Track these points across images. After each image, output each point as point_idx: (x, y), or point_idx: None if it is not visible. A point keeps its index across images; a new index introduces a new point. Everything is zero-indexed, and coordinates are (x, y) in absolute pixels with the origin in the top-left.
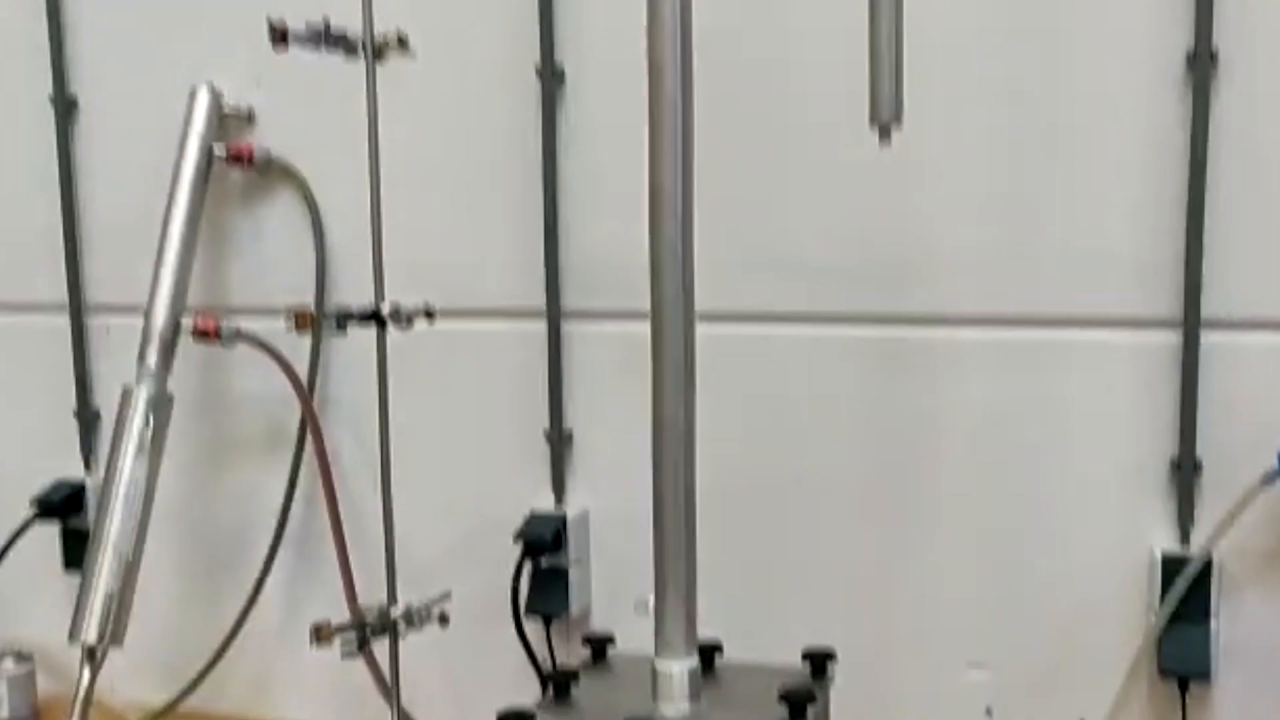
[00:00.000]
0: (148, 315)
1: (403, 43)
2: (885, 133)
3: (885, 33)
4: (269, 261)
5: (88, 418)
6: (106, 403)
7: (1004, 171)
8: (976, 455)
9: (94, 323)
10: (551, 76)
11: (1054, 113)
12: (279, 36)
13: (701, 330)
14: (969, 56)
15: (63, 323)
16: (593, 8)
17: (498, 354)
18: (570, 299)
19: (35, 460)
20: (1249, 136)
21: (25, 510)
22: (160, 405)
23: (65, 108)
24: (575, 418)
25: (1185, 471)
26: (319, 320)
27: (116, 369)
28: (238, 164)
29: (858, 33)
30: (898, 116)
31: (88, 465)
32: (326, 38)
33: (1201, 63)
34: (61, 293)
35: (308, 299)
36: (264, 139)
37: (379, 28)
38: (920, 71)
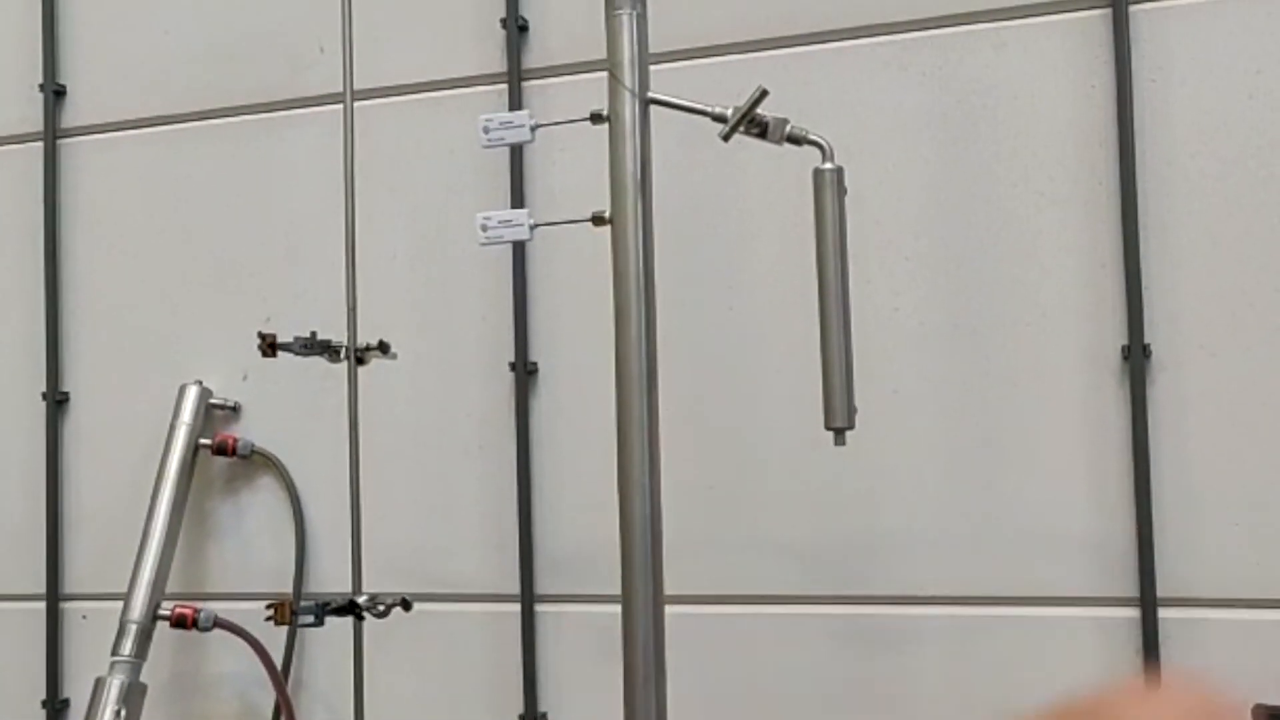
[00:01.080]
0: (126, 604)
1: (384, 347)
2: (840, 436)
3: (835, 346)
4: (249, 547)
5: (56, 707)
6: (77, 691)
7: (962, 460)
8: None
9: (70, 608)
10: (525, 371)
11: (1004, 405)
12: (268, 348)
13: (671, 611)
14: (922, 354)
15: (38, 609)
16: (563, 309)
17: (472, 637)
18: (543, 583)
19: None
20: (1184, 422)
21: None
22: (133, 695)
23: (57, 403)
24: (548, 700)
25: None
26: (296, 613)
27: (90, 656)
28: (221, 454)
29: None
30: (851, 422)
31: None
32: (312, 346)
33: (1135, 357)
34: (39, 581)
35: (287, 581)
36: (248, 430)
37: (363, 333)
38: (878, 369)
